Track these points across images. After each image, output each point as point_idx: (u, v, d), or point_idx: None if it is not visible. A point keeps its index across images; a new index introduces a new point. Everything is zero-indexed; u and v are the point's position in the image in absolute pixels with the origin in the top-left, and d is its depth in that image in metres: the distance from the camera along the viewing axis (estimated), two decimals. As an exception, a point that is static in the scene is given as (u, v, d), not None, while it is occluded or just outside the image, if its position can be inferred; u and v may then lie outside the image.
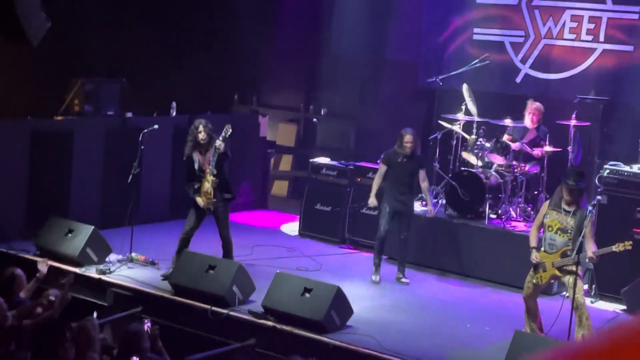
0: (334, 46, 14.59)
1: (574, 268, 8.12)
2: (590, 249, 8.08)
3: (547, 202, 8.57)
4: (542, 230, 8.45)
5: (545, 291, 10.21)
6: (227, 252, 10.05)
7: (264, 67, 15.43)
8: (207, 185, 9.78)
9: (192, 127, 9.78)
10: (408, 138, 10.18)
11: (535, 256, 8.35)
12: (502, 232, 10.75)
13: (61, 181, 11.38)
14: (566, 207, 8.26)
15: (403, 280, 10.40)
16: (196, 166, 9.73)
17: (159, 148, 12.03)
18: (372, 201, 10.49)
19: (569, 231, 8.19)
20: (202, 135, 9.66)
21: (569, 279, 8.16)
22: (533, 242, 8.47)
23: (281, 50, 15.05)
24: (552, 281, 8.62)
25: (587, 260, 8.27)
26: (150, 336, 7.04)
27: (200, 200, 9.79)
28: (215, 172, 9.70)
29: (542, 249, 8.40)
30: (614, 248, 8.02)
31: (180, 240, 9.97)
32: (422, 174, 10.33)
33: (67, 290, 7.72)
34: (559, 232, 8.27)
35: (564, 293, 8.50)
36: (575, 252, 8.04)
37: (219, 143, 9.63)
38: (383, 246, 10.41)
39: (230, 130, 9.79)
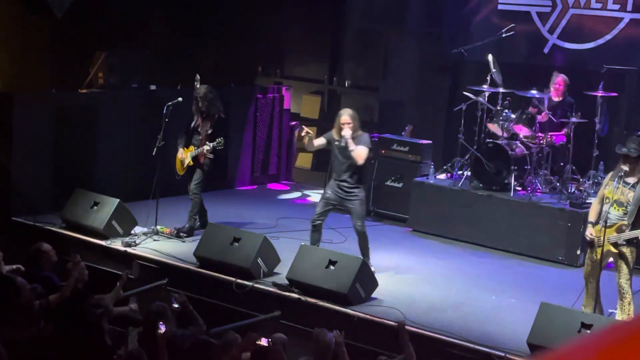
0: (358, 17, 14.50)
1: (626, 249, 7.81)
2: None
3: (610, 173, 8.11)
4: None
5: (572, 263, 10.21)
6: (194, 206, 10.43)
7: (288, 39, 15.36)
8: (187, 154, 10.25)
9: (194, 95, 10.42)
10: (345, 119, 9.23)
11: (589, 233, 7.93)
12: (528, 203, 10.69)
13: (86, 154, 11.42)
14: (626, 179, 7.80)
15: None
16: (192, 124, 10.33)
17: (183, 120, 12.02)
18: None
19: (626, 204, 7.75)
20: (200, 104, 10.27)
21: (617, 259, 7.82)
22: (592, 217, 8.00)
23: (305, 22, 14.97)
24: (610, 259, 8.06)
25: (639, 237, 7.76)
26: (180, 304, 7.08)
27: (182, 154, 10.30)
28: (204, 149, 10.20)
29: (601, 222, 7.92)
30: None
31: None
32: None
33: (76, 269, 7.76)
34: (614, 204, 7.80)
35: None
36: (630, 228, 7.70)
37: (207, 149, 10.16)
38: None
39: (222, 145, 10.20)
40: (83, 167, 11.35)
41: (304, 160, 15.33)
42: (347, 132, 9.15)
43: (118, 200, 10.20)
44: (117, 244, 9.90)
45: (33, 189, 10.94)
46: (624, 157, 7.82)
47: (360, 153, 9.17)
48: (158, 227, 10.27)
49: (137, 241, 9.94)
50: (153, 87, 12.37)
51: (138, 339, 6.92)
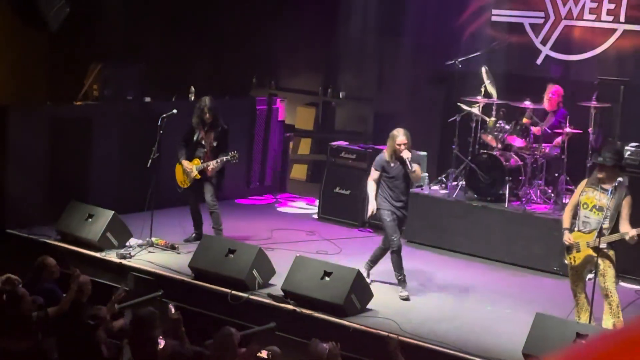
0: (352, 29, 14.53)
1: (607, 252, 7.86)
2: (628, 229, 7.69)
3: (585, 180, 8.25)
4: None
5: (566, 273, 10.19)
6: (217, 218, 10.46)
7: (282, 51, 15.38)
8: (192, 167, 10.23)
9: (197, 107, 10.37)
10: (402, 139, 9.18)
11: (567, 238, 8.02)
12: (522, 214, 10.71)
13: (81, 166, 11.42)
14: (603, 186, 7.91)
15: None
16: (195, 137, 10.35)
17: (177, 132, 12.02)
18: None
19: (605, 210, 7.82)
20: (207, 116, 10.26)
21: (600, 263, 7.86)
22: (566, 223, 8.10)
23: (299, 34, 15.00)
24: (589, 267, 8.08)
25: (627, 239, 7.77)
26: (174, 321, 7.07)
27: (186, 165, 10.32)
28: (207, 164, 10.27)
29: (576, 228, 8.03)
30: None
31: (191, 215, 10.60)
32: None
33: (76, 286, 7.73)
34: (594, 210, 7.89)
35: (590, 276, 8.28)
36: (610, 232, 7.76)
37: (218, 161, 10.24)
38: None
39: (237, 159, 10.35)
40: (78, 179, 11.34)
41: (298, 172, 15.35)
42: (408, 153, 9.14)
43: (113, 212, 10.19)
44: (111, 256, 9.89)
45: (27, 201, 10.92)
46: (600, 166, 7.95)
47: (419, 173, 9.39)
48: (153, 238, 10.26)
49: (132, 253, 9.93)
50: (148, 99, 12.38)
51: (129, 344, 6.91)
